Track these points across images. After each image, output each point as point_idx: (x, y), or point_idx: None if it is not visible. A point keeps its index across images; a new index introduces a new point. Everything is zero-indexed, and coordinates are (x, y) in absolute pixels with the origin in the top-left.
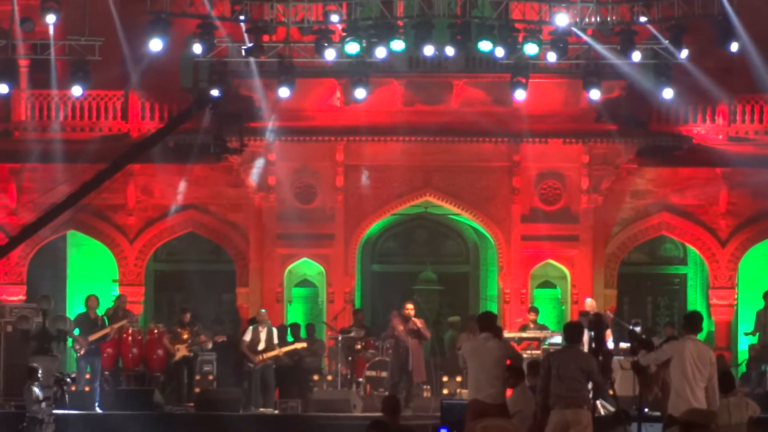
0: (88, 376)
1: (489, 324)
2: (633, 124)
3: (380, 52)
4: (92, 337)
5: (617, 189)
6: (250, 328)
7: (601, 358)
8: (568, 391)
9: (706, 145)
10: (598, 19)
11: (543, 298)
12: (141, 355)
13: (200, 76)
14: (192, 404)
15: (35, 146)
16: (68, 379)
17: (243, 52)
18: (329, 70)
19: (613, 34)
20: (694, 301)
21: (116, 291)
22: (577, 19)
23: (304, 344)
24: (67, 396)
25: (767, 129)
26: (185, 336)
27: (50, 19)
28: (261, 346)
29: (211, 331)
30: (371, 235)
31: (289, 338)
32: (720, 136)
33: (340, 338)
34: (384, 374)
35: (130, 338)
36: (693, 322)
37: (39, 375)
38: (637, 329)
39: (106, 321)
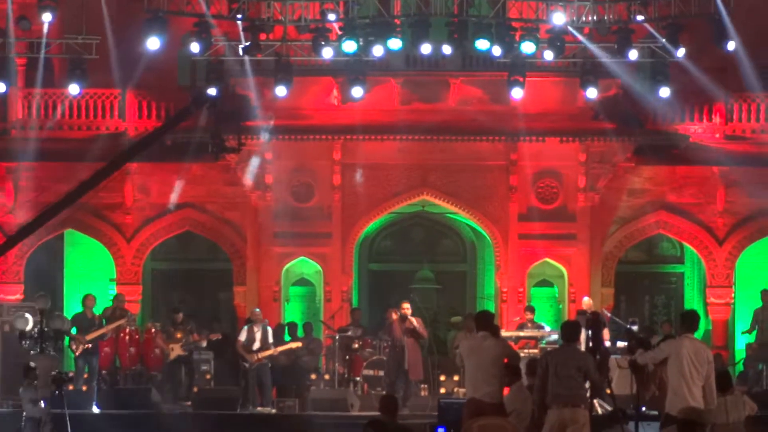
0: (85, 376)
1: (486, 322)
2: (630, 123)
3: (377, 51)
4: (90, 336)
5: (614, 187)
6: (245, 327)
7: (598, 356)
8: (565, 389)
9: (703, 143)
10: (595, 17)
11: (540, 296)
12: (138, 354)
13: (198, 74)
14: (189, 403)
15: (32, 145)
16: (66, 379)
17: (240, 51)
18: (326, 68)
19: (610, 32)
20: (692, 300)
21: (114, 290)
22: (574, 18)
23: (300, 344)
24: (64, 395)
25: (764, 127)
26: (179, 335)
27: (47, 17)
28: (256, 345)
29: (206, 329)
30: (368, 233)
31: (287, 337)
32: (717, 135)
33: (337, 337)
34: (381, 373)
35: (127, 337)
36: (690, 320)
37: (36, 374)
38: (635, 328)
39: (104, 320)
